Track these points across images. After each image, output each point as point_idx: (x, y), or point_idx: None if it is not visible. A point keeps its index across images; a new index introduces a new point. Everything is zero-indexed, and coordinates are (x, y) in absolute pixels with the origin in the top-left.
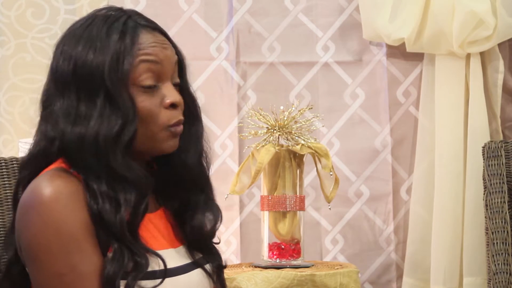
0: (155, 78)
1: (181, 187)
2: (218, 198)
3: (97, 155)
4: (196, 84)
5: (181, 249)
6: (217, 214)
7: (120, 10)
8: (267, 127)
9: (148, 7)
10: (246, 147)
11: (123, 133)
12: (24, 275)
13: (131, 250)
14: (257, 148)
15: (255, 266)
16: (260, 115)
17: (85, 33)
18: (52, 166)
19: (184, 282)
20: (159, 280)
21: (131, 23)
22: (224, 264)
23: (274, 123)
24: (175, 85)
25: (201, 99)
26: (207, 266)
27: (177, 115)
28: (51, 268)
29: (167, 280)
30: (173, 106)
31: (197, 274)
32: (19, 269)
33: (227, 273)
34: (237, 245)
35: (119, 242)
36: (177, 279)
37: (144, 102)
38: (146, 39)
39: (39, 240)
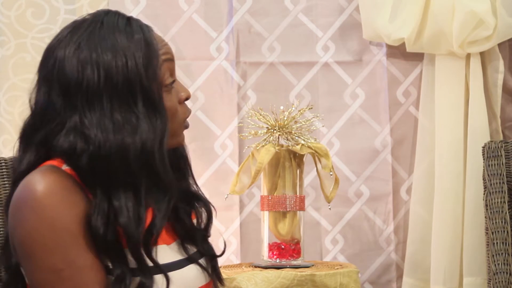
0: (172, 75)
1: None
2: (218, 198)
3: (144, 162)
4: (196, 84)
5: (174, 245)
6: (208, 204)
7: (117, 13)
8: (267, 127)
9: (148, 7)
10: (246, 147)
11: (165, 137)
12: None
13: (134, 272)
14: (257, 148)
15: (255, 266)
16: (260, 115)
17: (103, 42)
18: (49, 162)
19: (179, 278)
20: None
21: (144, 25)
22: (217, 254)
23: (274, 123)
24: None
25: (201, 99)
26: (202, 261)
27: (188, 109)
28: (48, 264)
29: (160, 276)
30: (186, 99)
31: (192, 269)
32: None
33: (227, 273)
34: (237, 245)
35: (125, 265)
36: (171, 274)
37: (169, 101)
38: (157, 38)
39: (34, 236)
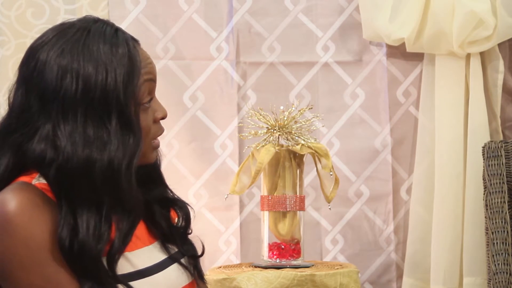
0: (151, 95)
1: (142, 185)
2: (218, 198)
3: (108, 179)
4: (196, 84)
5: (156, 245)
6: (185, 205)
7: (106, 23)
8: (267, 127)
9: (148, 7)
10: (246, 147)
11: (136, 156)
12: None
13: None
14: (257, 148)
15: (255, 266)
16: (260, 115)
17: (86, 50)
18: (19, 179)
19: (161, 280)
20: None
21: (130, 40)
22: (199, 253)
23: (274, 123)
24: None
25: (201, 99)
26: (183, 260)
27: (161, 128)
28: (27, 282)
29: (141, 281)
30: (162, 119)
31: (173, 270)
32: None
33: (226, 273)
34: (237, 245)
35: (91, 280)
36: (153, 278)
37: (144, 120)
38: (142, 55)
39: (9, 256)
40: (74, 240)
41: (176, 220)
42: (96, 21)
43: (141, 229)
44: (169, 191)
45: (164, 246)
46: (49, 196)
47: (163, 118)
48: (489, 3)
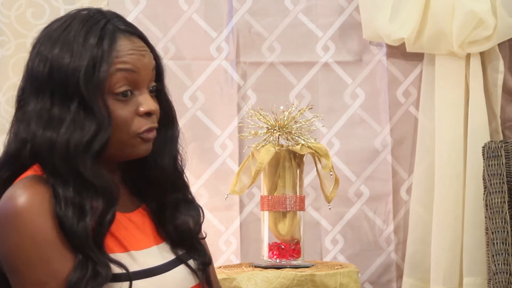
0: (131, 86)
1: (157, 189)
2: (218, 198)
3: (67, 161)
4: (196, 84)
5: (165, 245)
6: (198, 211)
7: (100, 12)
8: (267, 127)
9: (148, 7)
10: (246, 147)
11: (95, 141)
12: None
13: (93, 260)
14: (257, 148)
15: (255, 266)
16: (260, 115)
17: (62, 35)
18: (29, 172)
19: (167, 280)
20: (127, 283)
21: (110, 27)
22: (208, 260)
23: (274, 123)
24: (151, 91)
25: (201, 99)
26: (191, 262)
27: (149, 123)
28: (33, 278)
29: (147, 280)
30: (147, 114)
31: (180, 271)
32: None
33: (226, 273)
34: (237, 245)
35: (81, 252)
36: (159, 277)
37: (118, 110)
38: (124, 45)
39: (17, 252)
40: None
41: (189, 223)
42: (84, 9)
43: (150, 229)
44: (187, 195)
45: (172, 248)
46: None
47: (147, 112)
48: (489, 3)
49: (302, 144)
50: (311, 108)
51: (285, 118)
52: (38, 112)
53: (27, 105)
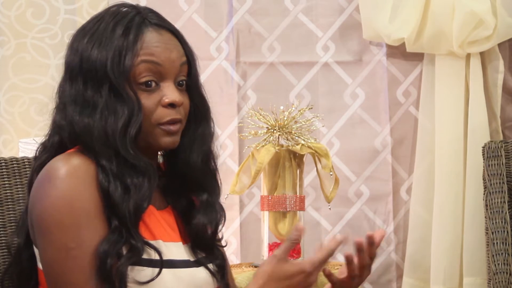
0: (155, 77)
1: (186, 186)
2: None
3: (107, 145)
4: None
5: (187, 246)
6: (219, 215)
7: (133, 6)
8: (267, 127)
9: (148, 7)
10: (246, 147)
11: (130, 125)
12: (33, 261)
13: (130, 233)
14: (257, 148)
15: (255, 266)
16: (260, 115)
17: (93, 28)
18: (71, 150)
19: (187, 276)
20: (157, 269)
21: (138, 20)
22: (226, 267)
23: (274, 123)
24: (180, 84)
25: None
26: (210, 266)
27: (172, 114)
28: (60, 241)
29: (170, 271)
30: (171, 105)
31: (201, 271)
32: (29, 255)
33: None
34: (237, 245)
35: (120, 223)
36: (180, 271)
37: (143, 99)
38: (150, 37)
39: (52, 212)
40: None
41: (206, 226)
42: (118, 4)
43: (176, 229)
44: (214, 196)
45: (193, 250)
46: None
47: (171, 104)
48: (489, 3)
49: (302, 144)
50: (311, 108)
51: (285, 118)
52: (73, 97)
53: (63, 94)
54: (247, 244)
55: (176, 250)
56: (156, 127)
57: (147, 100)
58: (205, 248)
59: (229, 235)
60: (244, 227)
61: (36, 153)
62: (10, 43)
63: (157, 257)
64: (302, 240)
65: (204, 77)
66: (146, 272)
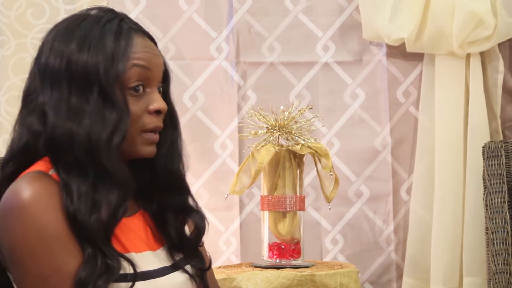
0: (144, 82)
1: (161, 191)
2: (218, 198)
3: (89, 153)
4: (196, 84)
5: (161, 251)
6: (202, 217)
7: (112, 11)
8: (267, 127)
9: (148, 7)
10: (246, 147)
11: (116, 133)
12: (10, 284)
13: (104, 253)
14: (257, 148)
15: (255, 266)
16: (260, 115)
17: (77, 31)
18: (34, 167)
19: (165, 284)
20: (130, 284)
21: (125, 26)
22: (207, 267)
23: (274, 123)
24: (159, 91)
25: (201, 99)
26: (188, 268)
27: (156, 122)
28: (36, 271)
29: (145, 283)
30: (157, 112)
31: (178, 276)
32: (6, 278)
33: (226, 273)
34: (237, 245)
35: (92, 245)
36: (157, 281)
37: (131, 104)
38: (139, 43)
39: (21, 243)
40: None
41: (192, 230)
42: (95, 8)
43: (147, 233)
44: (190, 201)
45: (170, 253)
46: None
47: (157, 111)
48: (489, 3)
49: (302, 144)
50: (311, 108)
51: (285, 118)
52: (56, 101)
53: (39, 97)
54: (247, 244)
55: (149, 259)
56: (139, 134)
57: (135, 106)
58: (186, 251)
59: (229, 235)
60: (244, 227)
61: (3, 159)
62: (10, 43)
63: (131, 270)
64: (302, 240)
65: (204, 77)
66: (122, 287)
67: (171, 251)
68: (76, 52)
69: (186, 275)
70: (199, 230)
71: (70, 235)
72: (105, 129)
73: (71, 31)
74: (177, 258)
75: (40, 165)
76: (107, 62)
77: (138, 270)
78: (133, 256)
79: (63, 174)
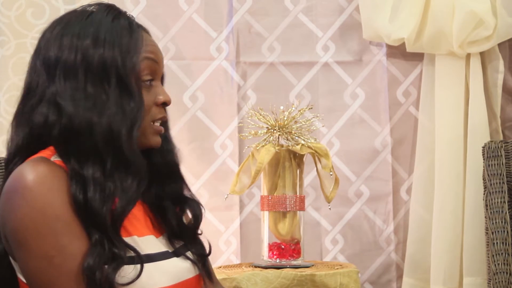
0: (152, 75)
1: (157, 181)
2: (218, 198)
3: (109, 142)
4: (196, 84)
5: (163, 238)
6: (198, 205)
7: (114, 7)
8: (267, 127)
9: (148, 7)
10: (246, 147)
11: (136, 123)
12: (12, 269)
13: (111, 241)
14: (257, 148)
15: (255, 266)
16: (260, 115)
17: (87, 27)
18: (36, 155)
19: (167, 267)
20: (139, 266)
21: (134, 22)
22: (207, 252)
23: (274, 123)
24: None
25: (201, 99)
26: (189, 254)
27: (163, 113)
28: (40, 250)
29: (149, 265)
30: (164, 104)
31: (181, 261)
32: (8, 262)
33: (226, 273)
34: (237, 245)
35: (100, 233)
36: (160, 263)
37: (145, 97)
38: (146, 37)
39: (26, 223)
40: (86, 197)
41: (189, 218)
42: (97, 3)
43: (150, 221)
44: (185, 189)
45: (170, 241)
46: (67, 171)
47: (164, 103)
48: (489, 3)
49: (302, 144)
50: (311, 108)
51: (285, 118)
52: (71, 92)
53: (48, 89)
54: (247, 244)
55: (152, 243)
56: (149, 125)
57: (147, 97)
58: (186, 239)
59: (229, 235)
60: (244, 227)
61: (8, 154)
62: (10, 43)
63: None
64: (302, 240)
65: (204, 77)
66: (128, 270)
67: (171, 239)
68: (91, 46)
69: (189, 261)
70: (196, 216)
71: (75, 218)
72: (126, 120)
73: (82, 26)
74: (177, 246)
75: (42, 153)
76: (124, 55)
77: (142, 253)
78: (136, 239)
79: (74, 163)
